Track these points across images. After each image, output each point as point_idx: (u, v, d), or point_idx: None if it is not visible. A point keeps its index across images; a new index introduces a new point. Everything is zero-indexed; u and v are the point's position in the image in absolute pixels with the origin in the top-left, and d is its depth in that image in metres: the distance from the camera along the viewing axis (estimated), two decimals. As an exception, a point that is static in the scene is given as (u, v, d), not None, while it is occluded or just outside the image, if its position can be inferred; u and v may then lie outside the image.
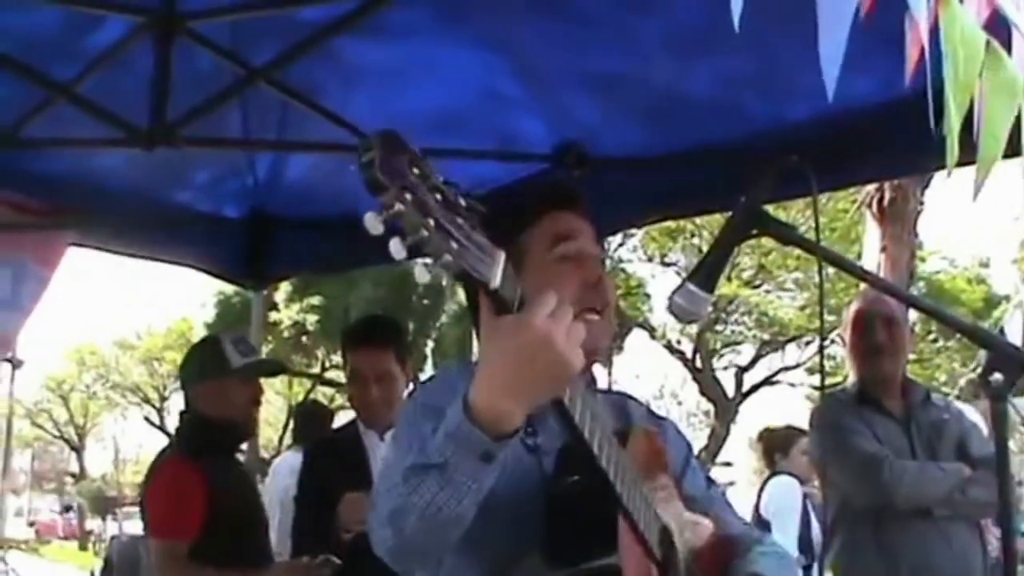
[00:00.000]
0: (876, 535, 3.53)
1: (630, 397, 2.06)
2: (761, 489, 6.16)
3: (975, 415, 3.83)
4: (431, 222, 1.18)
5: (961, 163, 3.26)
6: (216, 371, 3.34)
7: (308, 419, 6.29)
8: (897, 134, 2.99)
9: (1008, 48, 1.48)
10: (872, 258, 9.13)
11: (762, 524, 5.64)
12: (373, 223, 1.16)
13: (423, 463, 1.45)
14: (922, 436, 3.60)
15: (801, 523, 5.74)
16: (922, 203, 9.56)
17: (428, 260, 1.20)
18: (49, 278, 3.67)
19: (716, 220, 16.61)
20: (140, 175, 3.90)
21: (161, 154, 3.19)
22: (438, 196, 1.21)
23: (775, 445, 6.15)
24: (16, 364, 30.32)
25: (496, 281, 1.28)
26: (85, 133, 3.30)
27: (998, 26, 1.48)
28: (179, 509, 3.18)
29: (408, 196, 1.17)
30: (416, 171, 1.20)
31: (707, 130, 3.33)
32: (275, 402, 28.75)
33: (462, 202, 1.25)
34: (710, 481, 2.04)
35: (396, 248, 1.16)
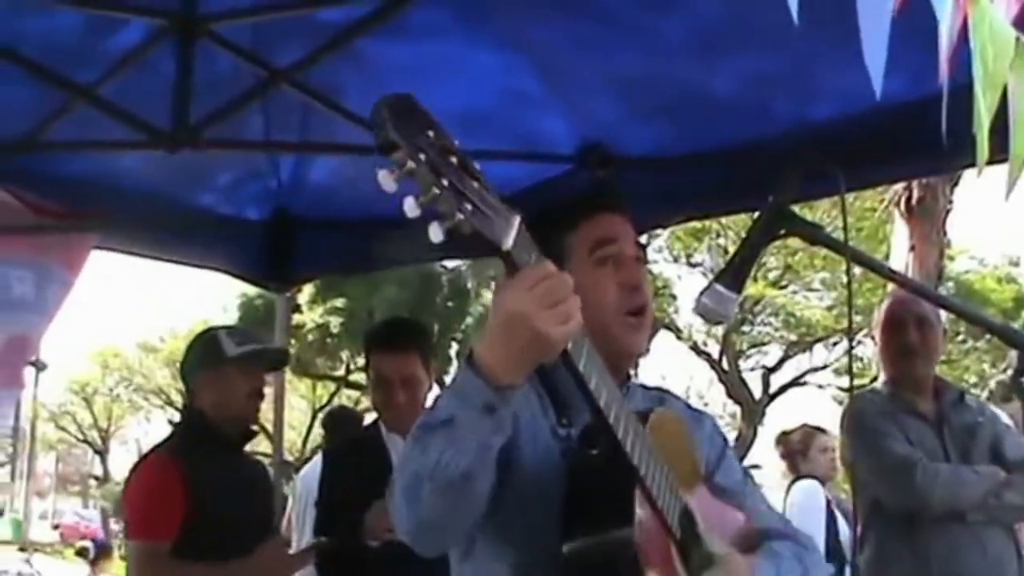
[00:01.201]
0: (908, 539, 3.47)
1: (669, 392, 2.07)
2: (785, 495, 6.06)
3: (1006, 418, 3.76)
4: (444, 181, 1.21)
5: (992, 161, 3.21)
6: (212, 360, 3.28)
7: (338, 424, 6.28)
8: (925, 132, 2.95)
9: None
10: (900, 258, 9.02)
11: None
12: (386, 180, 1.19)
13: (430, 421, 1.47)
14: (955, 438, 3.54)
15: (827, 529, 5.64)
16: (951, 201, 9.40)
17: (441, 220, 1.22)
18: (73, 281, 3.67)
19: (742, 220, 16.56)
20: (162, 177, 3.90)
21: (183, 156, 3.18)
22: (452, 159, 1.23)
23: (794, 448, 6.05)
24: (40, 367, 30.49)
25: (508, 243, 1.30)
26: (107, 136, 3.30)
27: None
28: (156, 509, 3.11)
29: (421, 156, 1.20)
30: (430, 134, 1.22)
31: (732, 129, 3.29)
32: (299, 405, 28.77)
33: (477, 167, 1.27)
34: (747, 475, 2.04)
35: (410, 206, 1.19)
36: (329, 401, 26.54)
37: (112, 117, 3.13)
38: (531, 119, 3.53)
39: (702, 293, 1.81)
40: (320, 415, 26.04)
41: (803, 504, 5.79)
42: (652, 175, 3.52)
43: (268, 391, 3.52)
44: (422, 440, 1.46)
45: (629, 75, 3.21)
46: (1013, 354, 1.68)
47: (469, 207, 1.23)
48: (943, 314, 3.67)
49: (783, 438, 6.26)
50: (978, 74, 1.57)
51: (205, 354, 3.33)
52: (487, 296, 18.28)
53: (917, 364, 3.60)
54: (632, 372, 1.98)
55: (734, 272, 1.81)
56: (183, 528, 3.06)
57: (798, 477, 5.97)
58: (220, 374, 3.27)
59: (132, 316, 67.26)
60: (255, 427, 3.49)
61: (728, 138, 3.33)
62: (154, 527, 3.11)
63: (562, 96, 3.41)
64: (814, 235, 1.83)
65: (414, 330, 3.75)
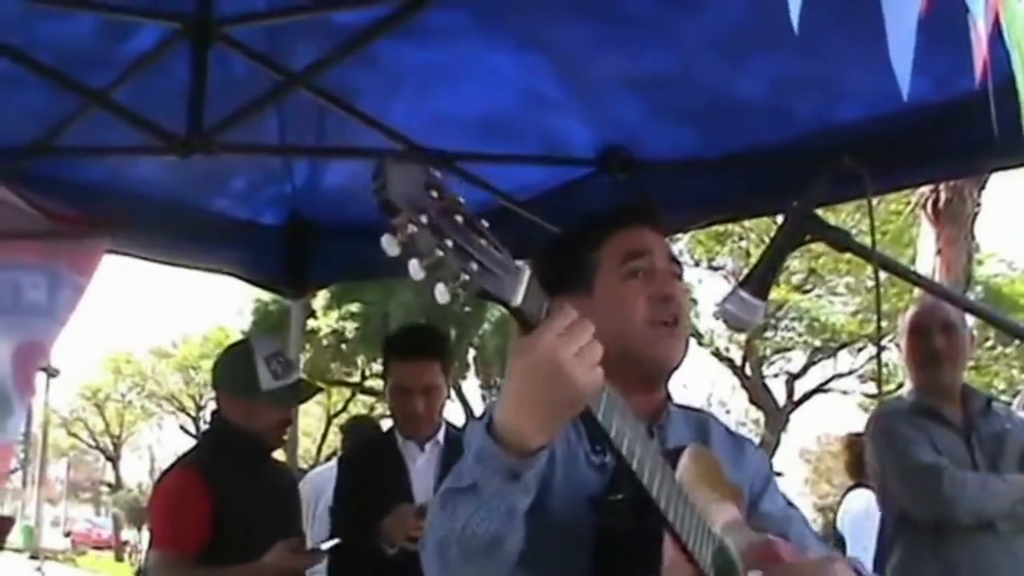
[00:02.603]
0: (936, 548, 3.43)
1: (711, 415, 2.03)
2: (841, 501, 5.93)
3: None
4: (448, 243, 1.19)
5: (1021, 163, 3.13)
6: (244, 391, 3.26)
7: (358, 435, 6.23)
8: (952, 134, 2.91)
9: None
10: (927, 261, 8.90)
11: (839, 540, 5.46)
12: (390, 244, 1.17)
13: (457, 486, 1.44)
14: (983, 446, 3.49)
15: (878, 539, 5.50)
16: (979, 204, 9.25)
17: (447, 282, 1.20)
18: (85, 286, 3.63)
19: (764, 223, 16.41)
20: (176, 182, 3.86)
21: (197, 161, 3.14)
22: (457, 217, 1.21)
23: (861, 452, 5.84)
24: (52, 373, 30.43)
25: (518, 299, 1.28)
26: (121, 141, 3.27)
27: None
28: (181, 520, 3.13)
29: (423, 218, 1.18)
30: (434, 193, 1.20)
31: (756, 132, 3.23)
32: (314, 412, 28.79)
33: (484, 224, 1.25)
34: (789, 503, 1.99)
35: (415, 270, 1.17)
36: (344, 408, 26.52)
37: (126, 122, 3.09)
38: (551, 122, 3.47)
39: (725, 299, 1.77)
40: (335, 422, 26.06)
41: (856, 511, 5.66)
42: (674, 179, 3.46)
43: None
44: (449, 504, 1.44)
45: (651, 76, 3.15)
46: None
47: (475, 267, 1.21)
48: (971, 319, 3.61)
49: (853, 440, 6.03)
50: (1018, 71, 1.54)
51: (240, 380, 3.29)
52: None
53: (944, 371, 3.55)
54: (668, 390, 1.92)
55: (759, 278, 1.77)
56: (210, 539, 3.08)
57: (856, 484, 5.79)
58: (251, 402, 3.26)
59: (145, 321, 67.33)
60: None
61: (753, 141, 3.27)
62: (178, 537, 3.13)
63: (583, 98, 3.35)
64: (840, 241, 1.78)
65: (434, 337, 3.73)
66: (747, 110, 3.17)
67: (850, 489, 5.86)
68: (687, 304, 1.86)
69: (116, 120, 3.09)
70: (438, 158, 3.30)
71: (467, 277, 1.20)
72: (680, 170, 3.47)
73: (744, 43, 2.90)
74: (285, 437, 3.45)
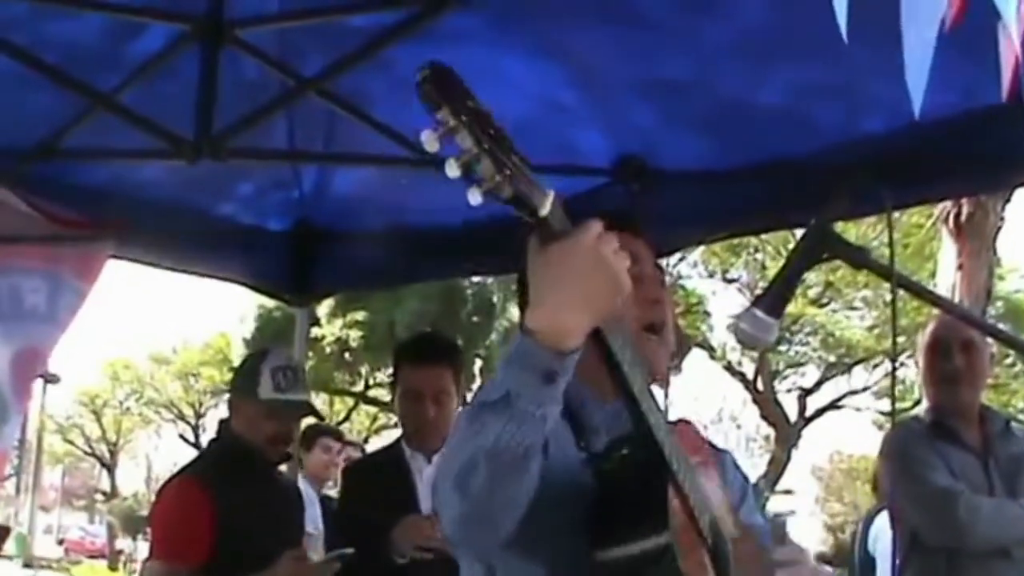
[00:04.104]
0: (949, 574, 3.33)
1: (688, 424, 1.99)
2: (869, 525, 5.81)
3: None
4: (485, 144, 1.24)
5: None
6: (242, 394, 3.27)
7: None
8: (976, 148, 2.85)
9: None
10: (948, 276, 8.78)
11: (868, 561, 5.35)
12: (430, 139, 1.22)
13: (486, 401, 1.44)
14: (1001, 470, 3.40)
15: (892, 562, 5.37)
16: (1002, 218, 9.12)
17: (479, 183, 1.25)
18: (87, 292, 3.58)
19: (781, 235, 16.22)
20: (182, 186, 3.81)
21: (204, 166, 3.09)
22: (491, 130, 1.26)
23: None
24: (52, 380, 30.07)
25: (546, 209, 1.33)
26: (127, 144, 3.21)
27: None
28: (181, 532, 3.10)
29: (463, 117, 1.23)
30: (470, 103, 1.26)
31: (775, 143, 3.16)
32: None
33: (513, 140, 1.30)
34: (763, 517, 2.01)
35: (451, 167, 1.23)
36: (347, 417, 26.44)
37: (135, 125, 3.03)
38: (565, 130, 3.41)
39: (739, 317, 1.74)
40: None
41: (884, 532, 5.51)
42: (690, 190, 3.40)
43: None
44: (477, 420, 1.43)
45: (669, 84, 3.09)
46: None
47: (508, 171, 1.26)
48: (990, 337, 3.53)
49: None
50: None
51: (242, 381, 3.31)
52: (513, 311, 18.13)
53: (962, 390, 3.47)
54: (665, 392, 1.89)
55: (774, 296, 1.73)
56: (210, 551, 3.04)
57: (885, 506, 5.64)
58: (249, 409, 3.25)
59: (145, 326, 67.18)
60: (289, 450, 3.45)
61: (771, 151, 3.20)
62: (177, 549, 3.10)
63: (598, 106, 3.30)
64: (858, 258, 1.73)
65: (448, 345, 3.74)
66: (768, 120, 3.11)
67: (880, 511, 5.73)
68: (672, 311, 1.88)
69: (122, 124, 3.04)
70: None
71: (500, 179, 1.25)
72: (696, 181, 3.41)
73: (765, 51, 2.84)
74: (289, 451, 3.39)
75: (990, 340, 3.58)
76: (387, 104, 3.29)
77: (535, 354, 1.38)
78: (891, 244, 1.76)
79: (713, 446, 2.02)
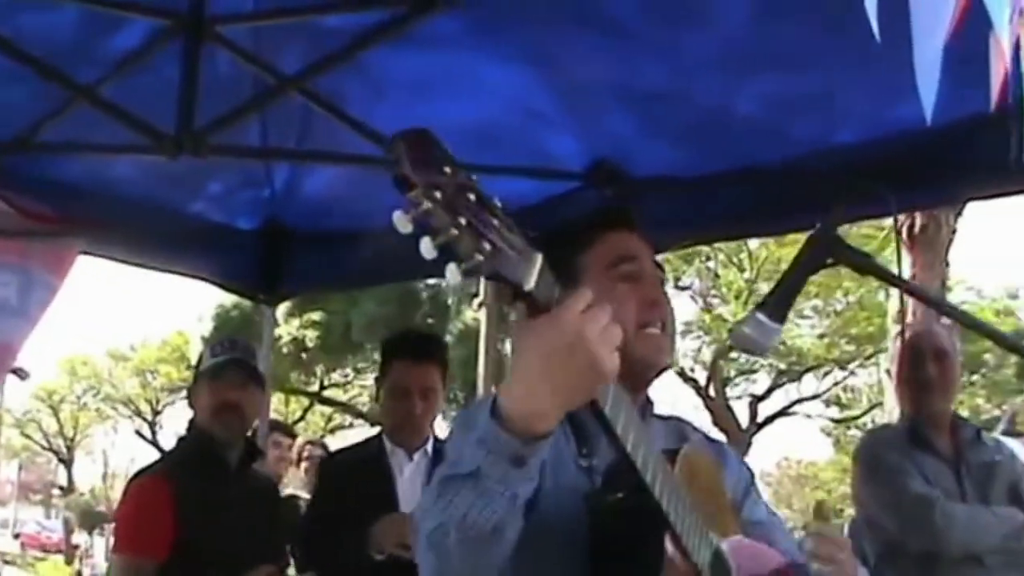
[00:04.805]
0: None
1: (687, 422, 2.01)
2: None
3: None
4: (462, 220, 1.16)
5: (996, 194, 3.11)
6: (194, 380, 3.31)
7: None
8: (967, 156, 2.85)
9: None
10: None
11: None
12: (402, 222, 1.14)
13: (456, 473, 1.40)
14: (972, 477, 3.46)
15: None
16: (955, 231, 9.20)
17: (459, 262, 1.17)
18: (58, 287, 3.57)
19: (733, 244, 16.07)
20: (154, 183, 3.80)
21: (175, 163, 3.06)
22: (471, 196, 1.18)
23: None
24: (23, 376, 29.61)
25: (530, 283, 1.25)
26: (105, 139, 3.19)
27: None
28: (143, 528, 3.08)
29: (437, 194, 1.15)
30: (447, 170, 1.17)
31: (750, 152, 3.20)
32: (269, 421, 28.40)
33: (497, 203, 1.21)
34: (771, 511, 1.98)
35: (426, 248, 1.15)
36: (302, 417, 26.26)
37: (116, 120, 3.01)
38: (541, 135, 3.43)
39: (743, 323, 1.75)
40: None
41: None
42: (663, 196, 3.42)
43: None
44: (446, 495, 1.40)
45: (645, 92, 3.11)
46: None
47: (488, 247, 1.18)
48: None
49: None
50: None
51: (195, 372, 3.32)
52: (468, 314, 18.11)
53: (935, 399, 3.53)
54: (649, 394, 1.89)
55: (778, 301, 1.74)
56: (171, 550, 3.01)
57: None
58: (198, 391, 3.25)
59: (103, 323, 66.27)
60: (255, 446, 3.43)
61: (745, 160, 3.23)
62: (139, 544, 3.08)
63: (574, 112, 3.32)
64: (864, 264, 1.75)
65: (437, 342, 3.77)
66: (742, 129, 3.14)
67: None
68: (672, 310, 1.85)
69: (102, 117, 3.02)
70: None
71: (480, 257, 1.17)
72: (669, 187, 3.43)
73: (743, 62, 2.87)
74: (234, 426, 3.22)
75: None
76: (363, 104, 3.30)
77: (503, 440, 1.33)
78: (898, 251, 1.80)
79: (712, 440, 2.02)
